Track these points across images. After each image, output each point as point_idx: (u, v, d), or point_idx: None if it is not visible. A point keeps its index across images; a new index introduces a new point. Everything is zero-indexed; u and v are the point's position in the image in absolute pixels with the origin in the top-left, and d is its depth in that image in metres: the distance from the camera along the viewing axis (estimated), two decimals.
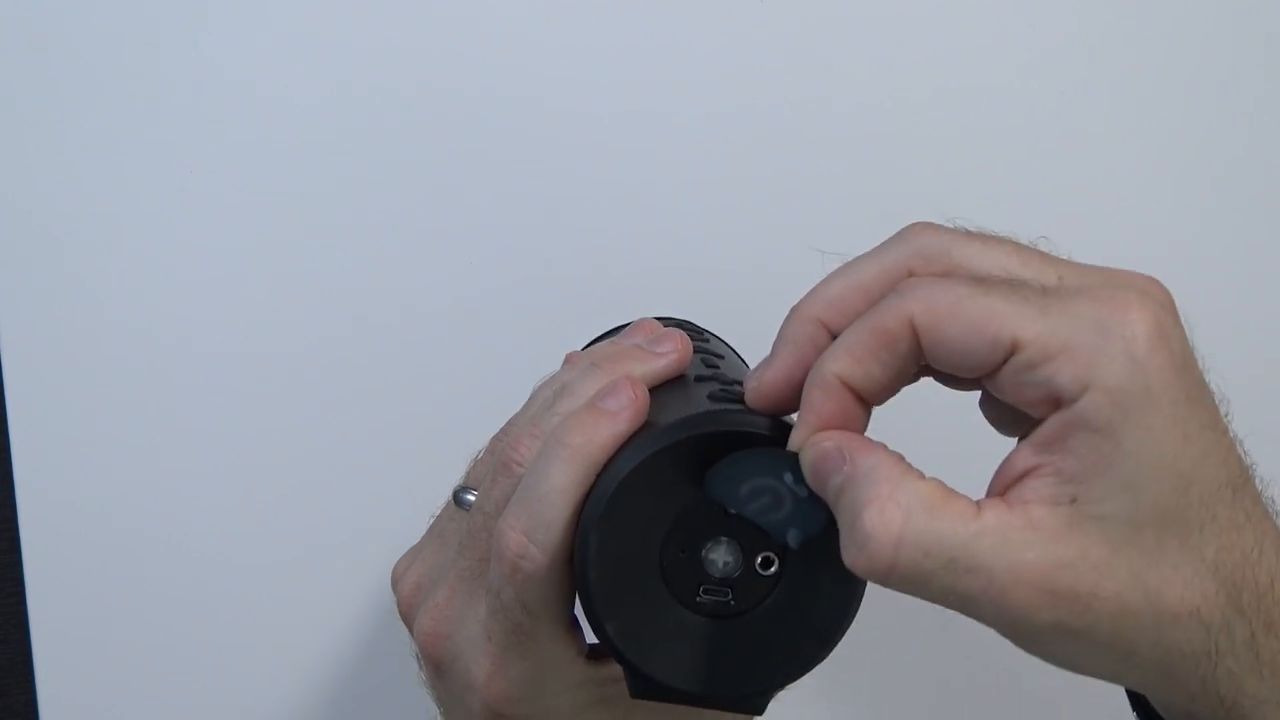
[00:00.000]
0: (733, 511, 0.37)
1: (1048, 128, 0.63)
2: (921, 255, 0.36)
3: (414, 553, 0.45)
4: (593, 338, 0.53)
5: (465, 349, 0.61)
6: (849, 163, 0.62)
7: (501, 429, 0.43)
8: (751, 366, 0.39)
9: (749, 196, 0.61)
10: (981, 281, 0.34)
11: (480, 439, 0.46)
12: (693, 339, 0.48)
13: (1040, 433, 0.33)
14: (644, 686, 0.38)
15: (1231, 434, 0.35)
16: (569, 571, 0.38)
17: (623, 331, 0.46)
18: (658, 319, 0.48)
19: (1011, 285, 0.34)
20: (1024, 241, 0.37)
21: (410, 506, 0.50)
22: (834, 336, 0.36)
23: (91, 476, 0.59)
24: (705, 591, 0.38)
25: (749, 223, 0.61)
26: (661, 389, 0.41)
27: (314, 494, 0.61)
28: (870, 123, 0.61)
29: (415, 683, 0.43)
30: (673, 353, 0.42)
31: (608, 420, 0.38)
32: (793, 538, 0.37)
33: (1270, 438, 0.39)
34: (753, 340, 0.59)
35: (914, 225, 0.37)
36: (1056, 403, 0.33)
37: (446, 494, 0.45)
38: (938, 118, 0.62)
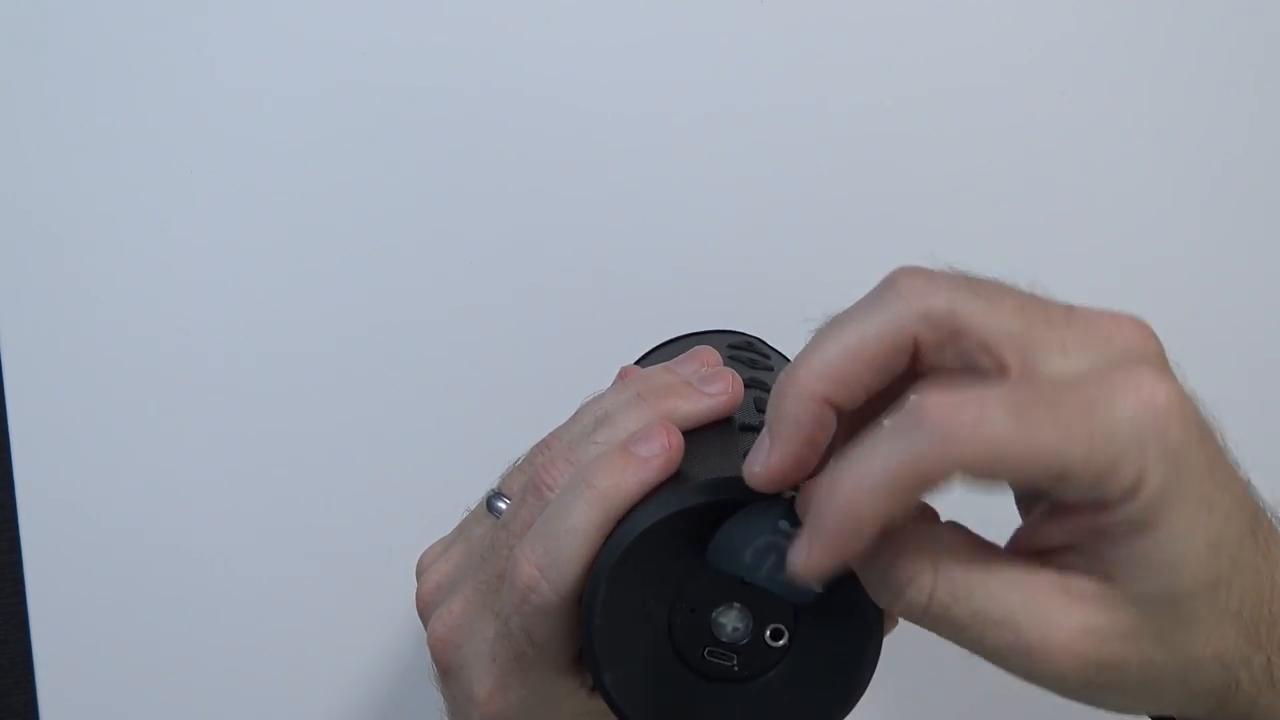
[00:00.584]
0: (748, 581, 0.37)
1: (1048, 128, 0.63)
2: (928, 321, 0.34)
3: (443, 545, 0.45)
4: (649, 347, 0.54)
5: (467, 352, 0.61)
6: (851, 164, 0.62)
7: (543, 441, 0.43)
8: None
9: (752, 198, 0.61)
10: (1018, 398, 0.32)
11: (483, 445, 0.46)
12: (753, 366, 0.47)
13: (1075, 522, 0.33)
14: None
15: (1240, 471, 0.35)
16: (577, 611, 0.38)
17: (679, 356, 0.45)
18: (724, 331, 0.47)
19: (1051, 401, 0.32)
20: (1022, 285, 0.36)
21: (414, 513, 0.51)
22: (840, 413, 0.35)
23: (91, 476, 0.59)
24: (710, 654, 0.38)
25: (751, 225, 0.62)
26: (703, 433, 0.40)
27: (313, 494, 0.60)
28: (874, 124, 0.62)
29: (426, 677, 0.43)
30: (722, 394, 0.41)
31: (637, 466, 0.38)
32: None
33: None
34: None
35: (904, 273, 0.35)
36: (1100, 507, 0.32)
37: (447, 504, 0.45)
38: (940, 119, 0.62)
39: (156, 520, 0.59)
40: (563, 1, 0.59)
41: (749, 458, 0.36)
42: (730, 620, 0.38)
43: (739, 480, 0.36)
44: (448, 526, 0.46)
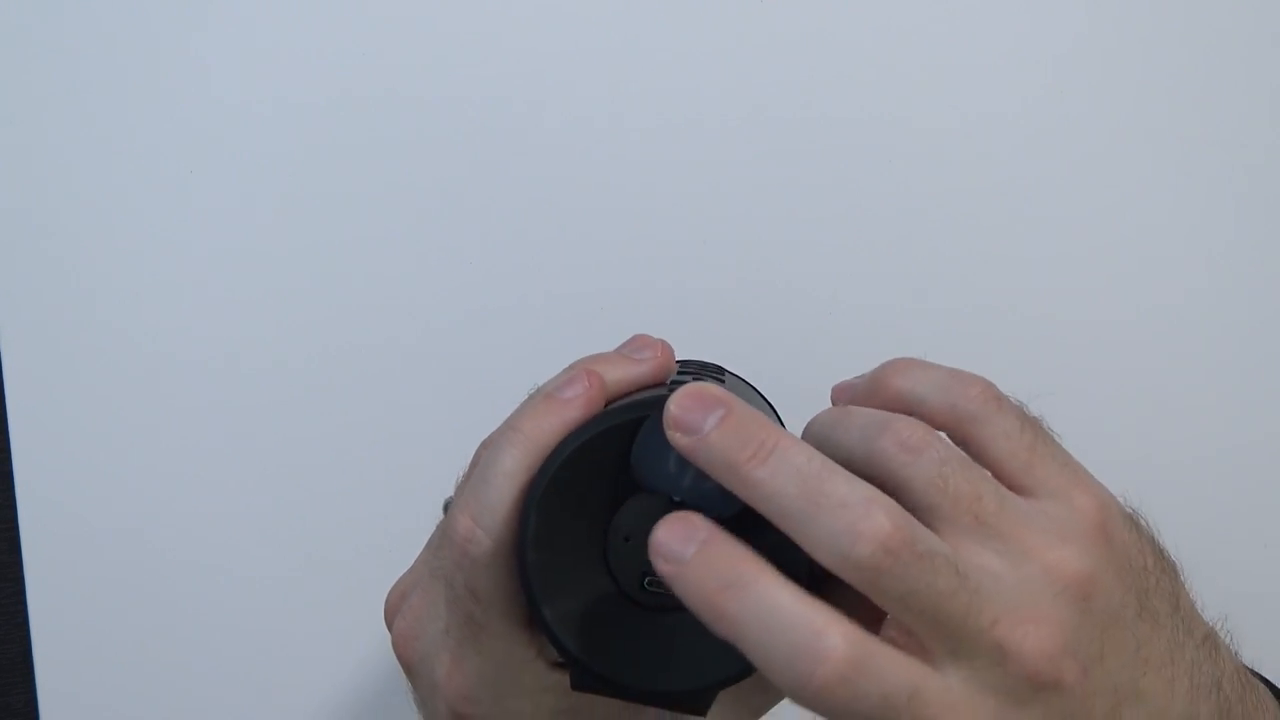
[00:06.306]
0: (677, 500, 0.36)
1: (1051, 130, 0.62)
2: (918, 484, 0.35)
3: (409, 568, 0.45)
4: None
5: (466, 354, 0.61)
6: (856, 170, 0.61)
7: None
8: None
9: (753, 202, 0.61)
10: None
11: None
12: (707, 375, 0.47)
13: None
14: (583, 678, 0.37)
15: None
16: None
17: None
18: (687, 361, 0.47)
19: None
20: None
21: (414, 515, 0.50)
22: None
23: (91, 476, 0.59)
24: (650, 584, 0.37)
25: (752, 230, 0.61)
26: (638, 394, 0.40)
27: (314, 496, 0.61)
28: (875, 128, 0.61)
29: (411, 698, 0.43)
30: (652, 359, 0.41)
31: (559, 406, 0.38)
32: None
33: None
34: (753, 344, 0.59)
35: (899, 424, 0.35)
36: None
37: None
38: (939, 122, 0.62)
39: (156, 520, 0.59)
40: (561, 7, 0.58)
41: None
42: None
43: (659, 398, 0.36)
44: None
